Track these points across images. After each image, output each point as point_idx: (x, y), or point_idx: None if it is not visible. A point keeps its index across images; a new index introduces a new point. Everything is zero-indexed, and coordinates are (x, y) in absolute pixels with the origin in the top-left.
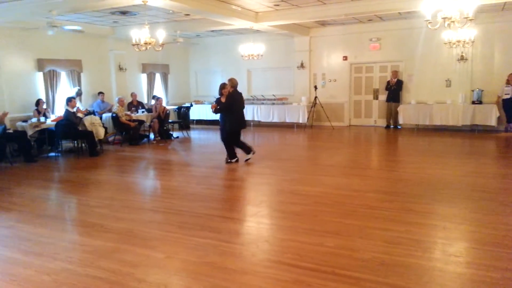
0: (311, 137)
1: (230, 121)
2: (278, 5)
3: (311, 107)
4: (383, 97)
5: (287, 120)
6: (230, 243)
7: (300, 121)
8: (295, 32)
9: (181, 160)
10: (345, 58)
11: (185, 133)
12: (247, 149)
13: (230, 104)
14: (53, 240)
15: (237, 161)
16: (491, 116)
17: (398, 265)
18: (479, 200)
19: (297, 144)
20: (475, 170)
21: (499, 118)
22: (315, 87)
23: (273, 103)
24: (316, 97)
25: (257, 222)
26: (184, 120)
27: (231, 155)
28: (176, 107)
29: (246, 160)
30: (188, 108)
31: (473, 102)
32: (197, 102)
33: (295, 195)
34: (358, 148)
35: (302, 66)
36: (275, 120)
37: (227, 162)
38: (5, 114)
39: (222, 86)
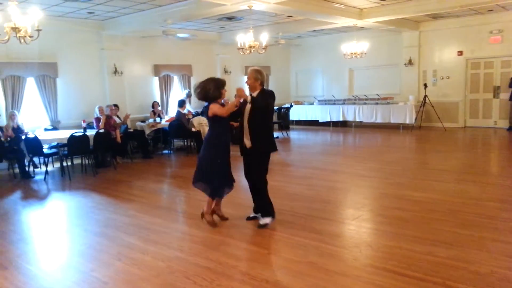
0: (419, 138)
1: (262, 134)
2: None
3: (420, 106)
4: (505, 95)
5: (392, 121)
6: (331, 245)
7: (407, 122)
8: (403, 27)
9: (281, 160)
10: (460, 53)
11: (284, 133)
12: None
13: (268, 104)
14: (167, 230)
15: (272, 219)
16: None
17: None
18: None
19: (403, 146)
20: None
21: None
22: (425, 85)
23: (377, 103)
24: (426, 95)
25: (359, 226)
26: (284, 120)
27: (264, 205)
28: (277, 107)
29: (250, 218)
30: (288, 109)
31: None
32: (297, 103)
33: (401, 200)
34: (475, 152)
35: (410, 63)
36: (379, 120)
37: (248, 219)
38: (127, 116)
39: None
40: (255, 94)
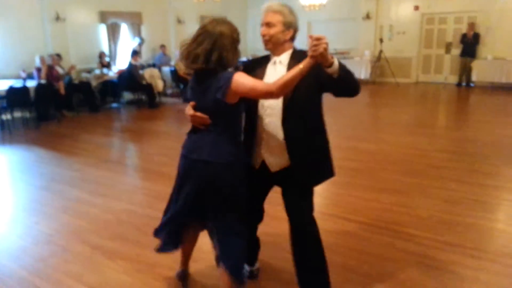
0: (373, 93)
1: (316, 142)
2: None
3: (375, 61)
4: (456, 51)
5: None
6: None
7: (362, 77)
8: None
9: None
10: (417, 8)
11: None
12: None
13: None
14: (117, 183)
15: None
16: None
17: (457, 224)
18: None
19: (357, 101)
20: None
21: None
22: (381, 40)
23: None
24: (381, 50)
25: None
26: None
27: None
28: None
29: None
30: (244, 63)
31: None
32: (255, 57)
33: (353, 152)
34: (425, 106)
35: (367, 17)
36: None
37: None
38: (72, 67)
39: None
40: (282, 57)
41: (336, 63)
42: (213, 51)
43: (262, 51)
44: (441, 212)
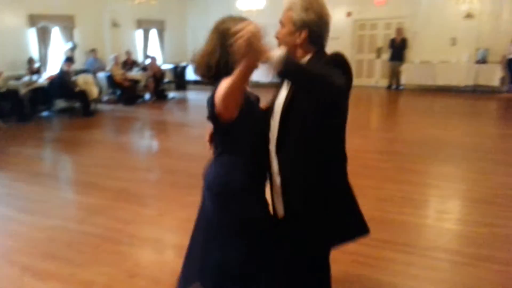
0: None
1: (321, 180)
2: None
3: None
4: (386, 56)
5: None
6: None
7: None
8: None
9: (177, 120)
10: (349, 14)
11: (181, 93)
12: None
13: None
14: (48, 198)
15: None
16: (494, 76)
17: (388, 221)
18: (475, 160)
19: None
20: (473, 131)
21: (502, 79)
22: None
23: None
24: None
25: None
26: (180, 80)
27: None
28: (173, 66)
29: None
30: (184, 68)
31: (477, 62)
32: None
33: None
34: (357, 109)
35: None
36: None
37: None
38: None
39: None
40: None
41: (276, 54)
42: (221, 57)
43: None
44: (374, 210)
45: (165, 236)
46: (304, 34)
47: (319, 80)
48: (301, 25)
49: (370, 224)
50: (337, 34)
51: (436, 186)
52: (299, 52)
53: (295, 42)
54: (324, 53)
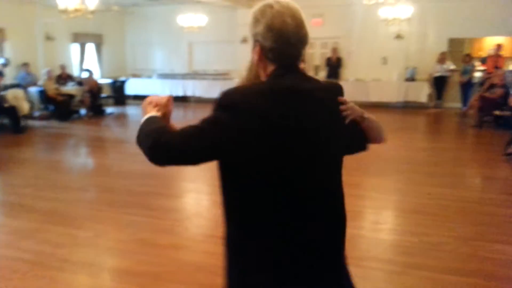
0: None
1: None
2: None
3: None
4: (323, 73)
5: None
6: (163, 220)
7: None
8: (238, 4)
9: (115, 137)
10: None
11: (120, 108)
12: None
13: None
14: None
15: None
16: (422, 93)
17: None
18: (407, 172)
19: None
20: (405, 145)
21: (430, 95)
22: None
23: (215, 79)
24: None
25: (193, 198)
26: (119, 95)
27: None
28: (111, 80)
29: None
30: (123, 82)
31: (406, 80)
32: (135, 76)
33: None
34: None
35: (244, 40)
36: (217, 96)
37: None
38: None
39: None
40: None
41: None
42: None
43: (140, 70)
44: None
45: (101, 259)
46: (257, 49)
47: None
48: (254, 39)
49: None
50: None
51: (370, 197)
52: (260, 71)
53: (253, 59)
54: (287, 70)
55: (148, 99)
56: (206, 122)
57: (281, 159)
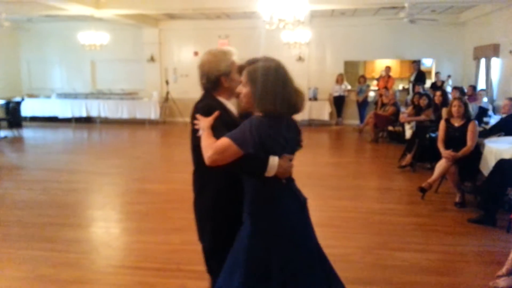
0: (163, 133)
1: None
2: None
3: (163, 102)
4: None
5: (138, 116)
6: (66, 252)
7: (152, 117)
8: (143, 23)
9: (9, 163)
10: (196, 53)
11: (15, 132)
12: None
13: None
14: None
15: None
16: (324, 111)
17: None
18: (313, 187)
19: (149, 141)
20: (310, 160)
21: (331, 113)
22: (167, 82)
23: (122, 98)
24: (168, 92)
25: (99, 227)
26: (13, 117)
27: None
28: (4, 101)
29: None
30: (18, 103)
31: (310, 99)
32: (31, 96)
33: (143, 194)
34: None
35: (152, 59)
36: (125, 116)
37: None
38: None
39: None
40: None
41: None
42: None
43: (37, 89)
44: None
45: None
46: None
47: None
48: (220, 74)
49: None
50: (187, 72)
51: None
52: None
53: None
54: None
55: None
56: None
57: None
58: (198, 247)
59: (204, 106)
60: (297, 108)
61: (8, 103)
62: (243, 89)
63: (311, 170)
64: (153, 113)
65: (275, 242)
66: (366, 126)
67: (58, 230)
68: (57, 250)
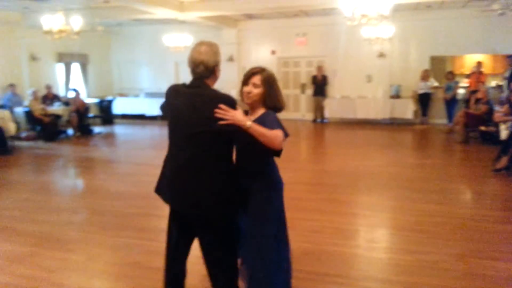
0: None
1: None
2: None
3: (241, 100)
4: (310, 91)
5: None
6: (156, 241)
7: None
8: (223, 24)
9: (103, 157)
10: (273, 52)
11: (108, 128)
12: None
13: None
14: None
15: None
16: (408, 109)
17: (322, 253)
18: (397, 189)
19: None
20: (394, 161)
21: (415, 112)
22: None
23: None
24: None
25: None
26: (106, 114)
27: None
28: (98, 100)
29: None
30: (110, 102)
31: (392, 97)
32: (121, 95)
33: None
34: (287, 142)
35: (231, 59)
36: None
37: None
38: None
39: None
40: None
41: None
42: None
43: (126, 89)
44: (305, 242)
45: (95, 283)
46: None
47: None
48: (215, 64)
49: (304, 257)
50: None
51: (363, 215)
52: (211, 83)
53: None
54: (193, 81)
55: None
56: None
57: None
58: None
59: (226, 98)
60: (284, 105)
61: (101, 102)
62: (254, 90)
63: (395, 172)
64: None
65: (277, 195)
66: (455, 126)
67: (148, 220)
68: (148, 239)
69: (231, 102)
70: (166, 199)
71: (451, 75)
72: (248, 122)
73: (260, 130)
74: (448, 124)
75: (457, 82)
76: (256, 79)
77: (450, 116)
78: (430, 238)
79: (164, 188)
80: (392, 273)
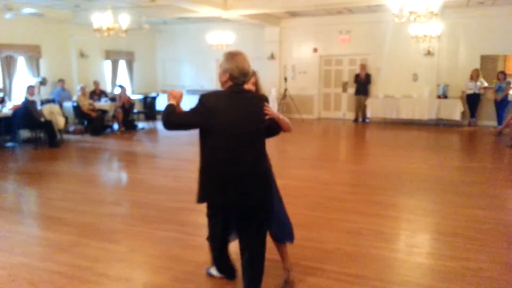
0: None
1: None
2: None
3: (281, 99)
4: (352, 90)
5: None
6: (196, 236)
7: None
8: (266, 22)
9: (146, 152)
10: (315, 50)
11: (151, 123)
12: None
13: None
14: (10, 234)
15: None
16: (455, 110)
17: (361, 255)
18: (442, 192)
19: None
20: (439, 163)
21: (463, 113)
22: (285, 79)
23: None
24: (286, 89)
25: None
26: (150, 110)
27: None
28: (142, 96)
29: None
30: (154, 98)
31: (439, 97)
32: (165, 92)
33: None
34: (327, 141)
35: (272, 57)
36: None
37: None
38: None
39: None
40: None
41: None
42: None
43: (170, 86)
44: (345, 244)
45: (137, 274)
46: (226, 76)
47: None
48: (224, 70)
49: (343, 259)
50: (305, 69)
51: (405, 218)
52: (225, 85)
53: (222, 78)
54: (237, 87)
55: (170, 92)
56: (190, 109)
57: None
58: (317, 244)
59: (266, 97)
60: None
61: (145, 98)
62: (252, 87)
63: (440, 175)
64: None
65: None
66: (506, 128)
67: (188, 214)
68: (188, 233)
69: (267, 100)
70: (222, 201)
71: (502, 75)
72: (272, 115)
73: (285, 119)
74: (497, 126)
75: (508, 83)
76: (256, 78)
77: (500, 118)
78: (474, 245)
79: (214, 191)
80: (434, 279)
